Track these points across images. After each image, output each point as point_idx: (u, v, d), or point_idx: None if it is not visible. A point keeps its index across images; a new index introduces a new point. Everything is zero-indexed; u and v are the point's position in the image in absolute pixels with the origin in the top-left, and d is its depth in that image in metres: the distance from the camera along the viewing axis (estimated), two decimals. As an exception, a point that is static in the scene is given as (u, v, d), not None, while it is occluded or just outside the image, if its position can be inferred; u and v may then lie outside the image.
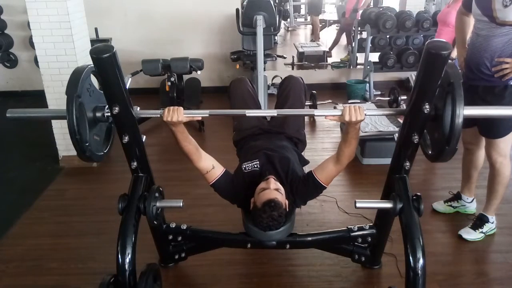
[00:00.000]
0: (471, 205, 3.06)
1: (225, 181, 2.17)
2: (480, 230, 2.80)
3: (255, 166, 2.22)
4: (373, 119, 4.05)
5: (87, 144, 1.83)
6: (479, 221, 2.82)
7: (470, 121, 2.66)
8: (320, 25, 9.06)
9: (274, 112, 2.17)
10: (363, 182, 3.60)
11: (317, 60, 6.68)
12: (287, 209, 2.05)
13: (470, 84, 2.57)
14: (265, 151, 2.29)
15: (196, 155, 2.10)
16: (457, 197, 3.09)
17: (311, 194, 2.23)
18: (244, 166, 2.25)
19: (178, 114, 1.90)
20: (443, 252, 2.72)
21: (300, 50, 7.15)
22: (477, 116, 1.98)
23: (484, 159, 2.86)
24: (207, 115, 1.98)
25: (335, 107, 1.63)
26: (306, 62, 6.60)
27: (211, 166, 2.14)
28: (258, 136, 2.54)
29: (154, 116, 2.00)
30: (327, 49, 7.36)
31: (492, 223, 2.82)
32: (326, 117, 1.99)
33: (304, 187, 2.18)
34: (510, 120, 2.52)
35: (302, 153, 2.60)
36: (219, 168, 2.17)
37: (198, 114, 2.03)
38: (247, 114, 2.05)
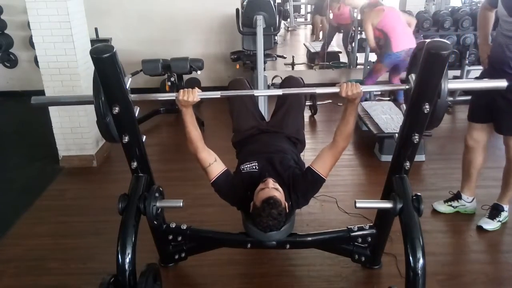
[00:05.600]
0: (471, 205, 3.06)
1: (226, 179, 2.18)
2: (498, 219, 2.88)
3: (254, 167, 2.23)
4: (395, 118, 4.10)
5: (108, 119, 1.95)
6: (495, 210, 2.89)
7: (486, 117, 2.74)
8: (320, 25, 9.03)
9: (279, 92, 2.20)
10: (363, 182, 3.60)
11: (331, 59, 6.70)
12: (287, 210, 2.05)
13: None
14: (264, 153, 2.30)
15: (200, 143, 2.14)
16: (457, 196, 3.09)
17: (312, 188, 2.22)
18: (242, 167, 2.26)
19: (193, 95, 1.99)
20: (443, 252, 2.72)
21: (313, 50, 7.15)
22: (460, 89, 2.20)
23: (483, 159, 2.89)
24: (219, 96, 2.07)
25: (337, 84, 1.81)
26: (327, 63, 6.56)
27: (214, 159, 2.16)
28: (257, 136, 2.54)
29: (169, 98, 2.08)
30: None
31: (506, 211, 2.90)
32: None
33: (304, 182, 2.18)
34: None
35: (302, 154, 2.60)
36: (221, 165, 2.18)
37: (210, 95, 2.11)
38: (255, 94, 2.21)
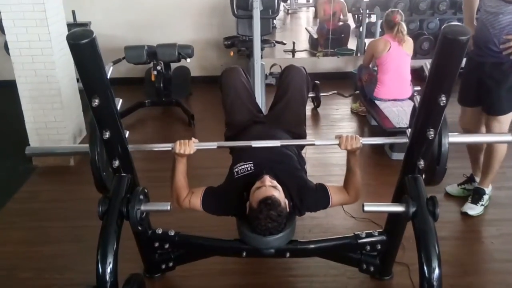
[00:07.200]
0: None
1: (209, 196, 2.22)
2: (481, 203, 3.10)
3: (249, 168, 2.23)
4: (408, 111, 4.04)
5: (104, 174, 2.09)
6: (477, 195, 3.12)
7: (475, 100, 2.97)
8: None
9: (277, 143, 2.19)
10: (372, 183, 3.61)
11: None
12: (288, 209, 2.05)
13: (477, 61, 2.90)
14: (261, 149, 2.29)
15: (185, 191, 2.23)
16: (470, 179, 3.33)
17: (316, 205, 2.26)
18: (235, 169, 2.26)
19: (190, 147, 2.09)
20: (461, 261, 2.74)
21: (316, 35, 7.19)
22: (460, 143, 2.68)
23: None
24: (215, 147, 2.17)
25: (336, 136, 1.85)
26: (332, 49, 6.58)
27: (191, 193, 2.23)
28: (252, 129, 2.53)
29: (166, 149, 2.15)
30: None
31: (487, 194, 3.14)
32: None
33: (314, 197, 2.21)
34: None
35: (303, 151, 2.59)
36: (199, 190, 2.25)
37: (207, 146, 2.18)
38: (253, 145, 2.16)
